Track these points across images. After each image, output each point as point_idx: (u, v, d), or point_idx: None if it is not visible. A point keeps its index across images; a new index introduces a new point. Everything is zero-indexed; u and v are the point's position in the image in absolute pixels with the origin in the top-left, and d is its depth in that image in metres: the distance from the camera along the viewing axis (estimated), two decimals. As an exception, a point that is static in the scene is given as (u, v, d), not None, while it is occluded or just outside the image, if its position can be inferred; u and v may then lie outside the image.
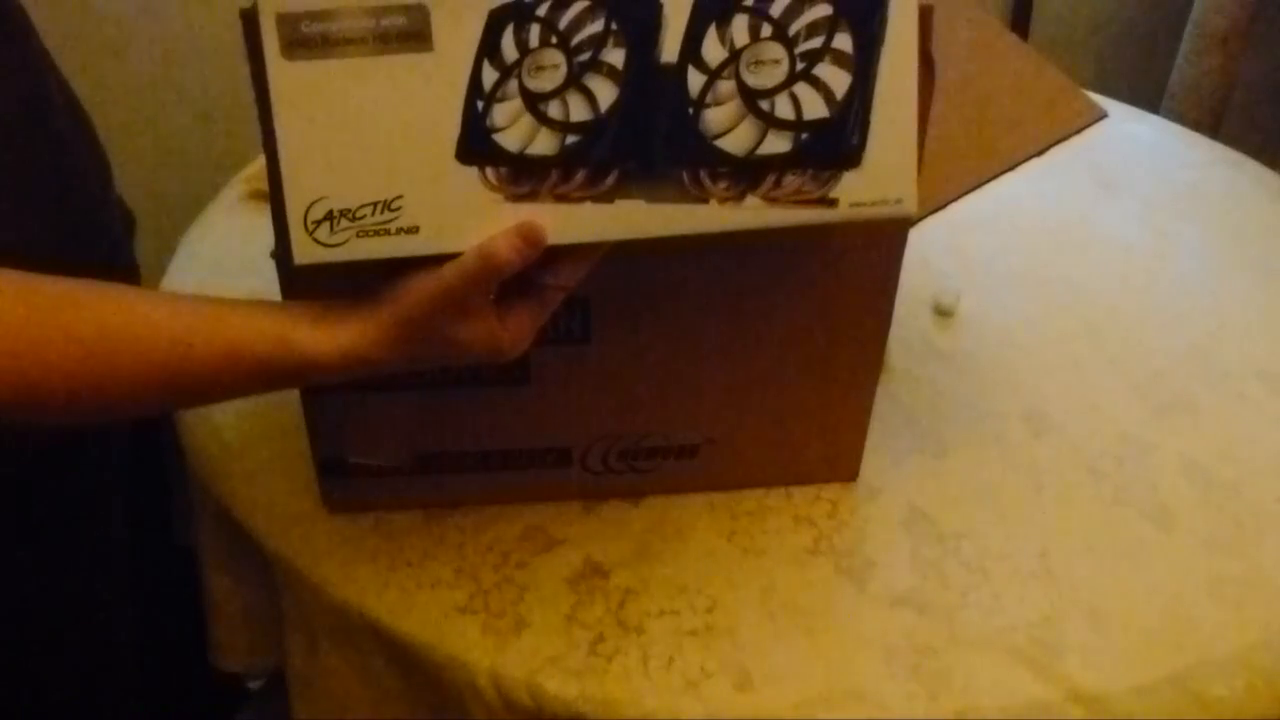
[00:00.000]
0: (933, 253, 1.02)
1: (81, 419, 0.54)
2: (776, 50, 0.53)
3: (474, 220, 0.53)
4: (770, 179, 0.54)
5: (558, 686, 0.67)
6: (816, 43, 0.53)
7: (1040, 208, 1.10)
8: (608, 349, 0.70)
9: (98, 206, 0.77)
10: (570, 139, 0.53)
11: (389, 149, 0.53)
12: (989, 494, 0.80)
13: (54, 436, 0.68)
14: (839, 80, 0.53)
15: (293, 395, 0.72)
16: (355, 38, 0.52)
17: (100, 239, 0.77)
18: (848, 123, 0.54)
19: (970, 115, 0.76)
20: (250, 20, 0.52)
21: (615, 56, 0.53)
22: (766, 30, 0.53)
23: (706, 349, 0.72)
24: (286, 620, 0.77)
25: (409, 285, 0.54)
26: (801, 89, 0.53)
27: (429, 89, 0.53)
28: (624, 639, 0.70)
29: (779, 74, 0.53)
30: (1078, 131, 0.77)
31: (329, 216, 0.54)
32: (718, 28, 0.53)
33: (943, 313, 0.96)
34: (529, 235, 0.53)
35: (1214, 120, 1.78)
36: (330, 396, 0.70)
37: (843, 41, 0.53)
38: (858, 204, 0.55)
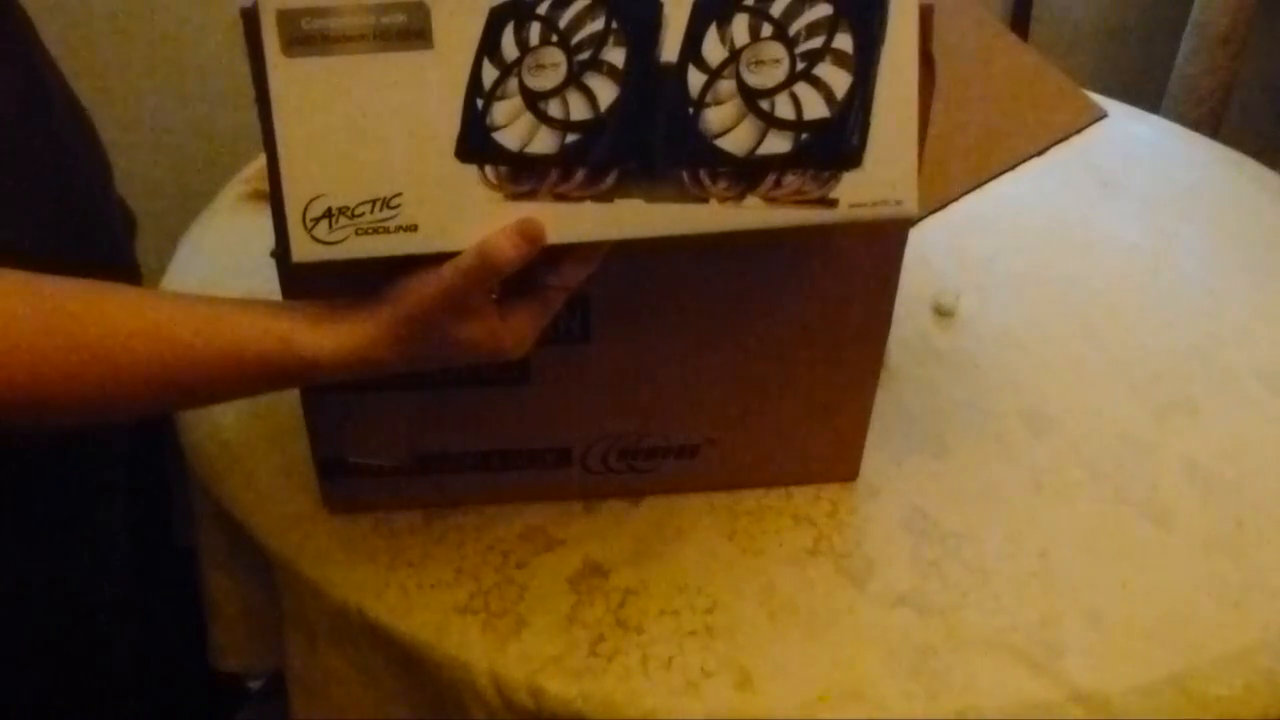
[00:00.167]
0: (933, 253, 1.02)
1: (82, 420, 0.54)
2: (777, 50, 0.53)
3: (473, 219, 0.53)
4: (770, 179, 0.54)
5: (558, 686, 0.67)
6: (817, 42, 0.53)
7: (1040, 208, 1.10)
8: (608, 349, 0.70)
9: (98, 206, 0.77)
10: (570, 138, 0.53)
11: (388, 146, 0.53)
12: (989, 494, 0.80)
13: (54, 436, 0.68)
14: (839, 80, 0.53)
15: (293, 395, 0.72)
16: (355, 35, 0.52)
17: (101, 239, 0.77)
18: (848, 123, 0.54)
19: (970, 115, 0.76)
20: (250, 18, 0.52)
21: (615, 55, 0.53)
22: (767, 30, 0.53)
23: (706, 349, 0.72)
24: (286, 620, 0.77)
25: (409, 284, 0.54)
26: (802, 89, 0.53)
27: (429, 87, 0.53)
28: (624, 639, 0.70)
29: (779, 74, 0.53)
30: (1078, 131, 0.77)
31: (328, 214, 0.54)
32: (718, 27, 0.53)
33: (943, 313, 0.96)
34: (529, 232, 0.53)
35: (1214, 120, 1.78)
36: (330, 396, 0.70)
37: (843, 41, 0.53)
38: (858, 204, 0.55)
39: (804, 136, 0.54)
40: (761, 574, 0.74)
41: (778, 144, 0.54)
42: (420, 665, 0.70)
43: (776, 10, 0.53)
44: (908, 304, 0.94)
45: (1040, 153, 0.76)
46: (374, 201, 0.54)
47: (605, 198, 0.54)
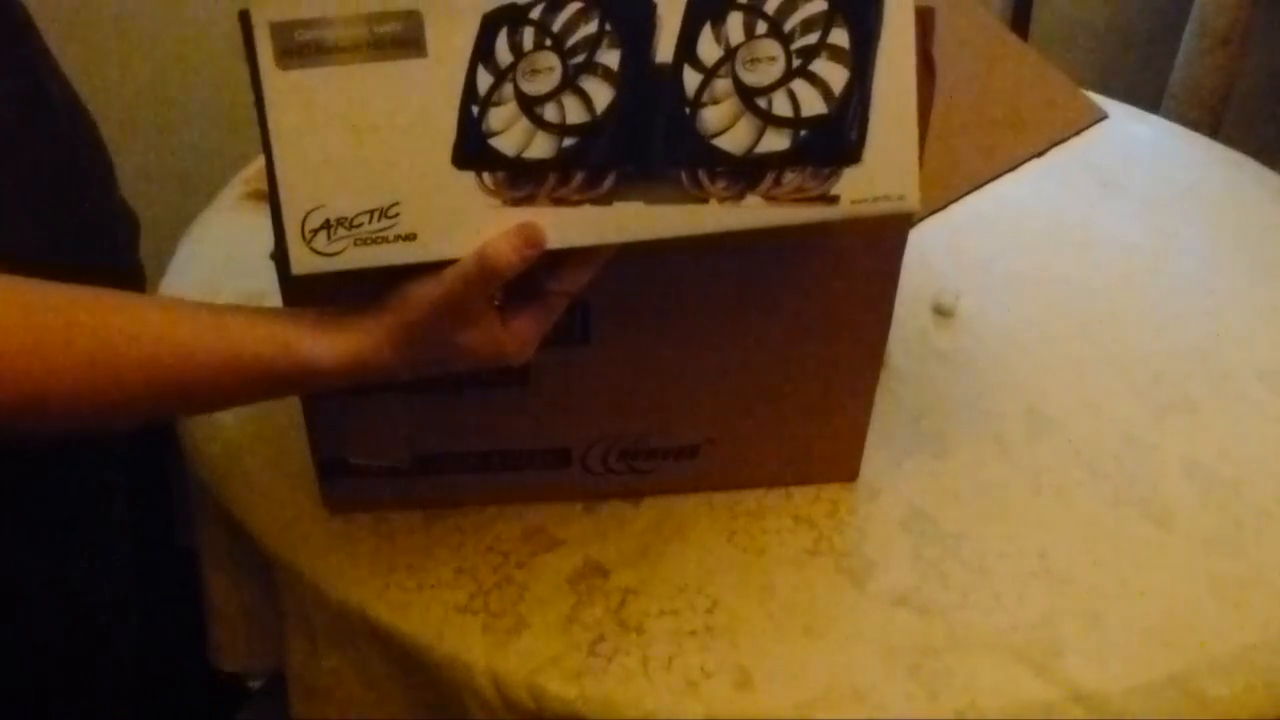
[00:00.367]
0: (933, 253, 1.02)
1: (82, 427, 0.54)
2: (772, 47, 0.53)
3: (472, 225, 0.53)
4: (770, 177, 0.54)
5: (558, 686, 0.67)
6: (812, 39, 0.53)
7: (1040, 208, 1.10)
8: (607, 349, 0.70)
9: (101, 208, 0.77)
10: (567, 141, 0.53)
11: (385, 156, 0.53)
12: (989, 494, 0.80)
13: (59, 438, 0.68)
14: (836, 76, 0.53)
15: (293, 396, 0.72)
16: (349, 45, 0.52)
17: (104, 241, 0.77)
18: (846, 119, 0.54)
19: (971, 116, 0.76)
20: (248, 23, 0.52)
21: (610, 58, 0.52)
22: (762, 27, 0.53)
23: (706, 349, 0.72)
24: (286, 621, 0.77)
25: (411, 291, 0.54)
26: (799, 86, 0.53)
27: (424, 95, 0.52)
28: (624, 639, 0.70)
29: (775, 71, 0.53)
30: (1078, 132, 0.77)
31: (326, 225, 0.54)
32: (712, 26, 0.52)
33: (943, 313, 0.96)
34: (529, 236, 0.53)
35: (1214, 120, 1.78)
36: (330, 397, 0.70)
37: (839, 37, 0.53)
38: (859, 200, 0.55)
39: (802, 133, 0.54)
40: (761, 574, 0.74)
41: (776, 142, 0.54)
42: (420, 665, 0.70)
43: (771, 7, 0.52)
44: (908, 304, 0.94)
45: (1040, 153, 0.76)
46: (372, 211, 0.53)
47: (604, 201, 0.54)
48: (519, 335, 0.55)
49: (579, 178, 0.53)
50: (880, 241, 0.68)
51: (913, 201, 0.55)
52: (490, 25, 0.52)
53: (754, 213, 0.54)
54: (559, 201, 0.54)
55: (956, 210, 0.75)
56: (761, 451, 0.77)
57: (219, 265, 0.98)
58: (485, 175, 0.53)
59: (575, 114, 0.53)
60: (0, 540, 0.68)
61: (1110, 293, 1.00)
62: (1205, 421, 0.86)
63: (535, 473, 0.76)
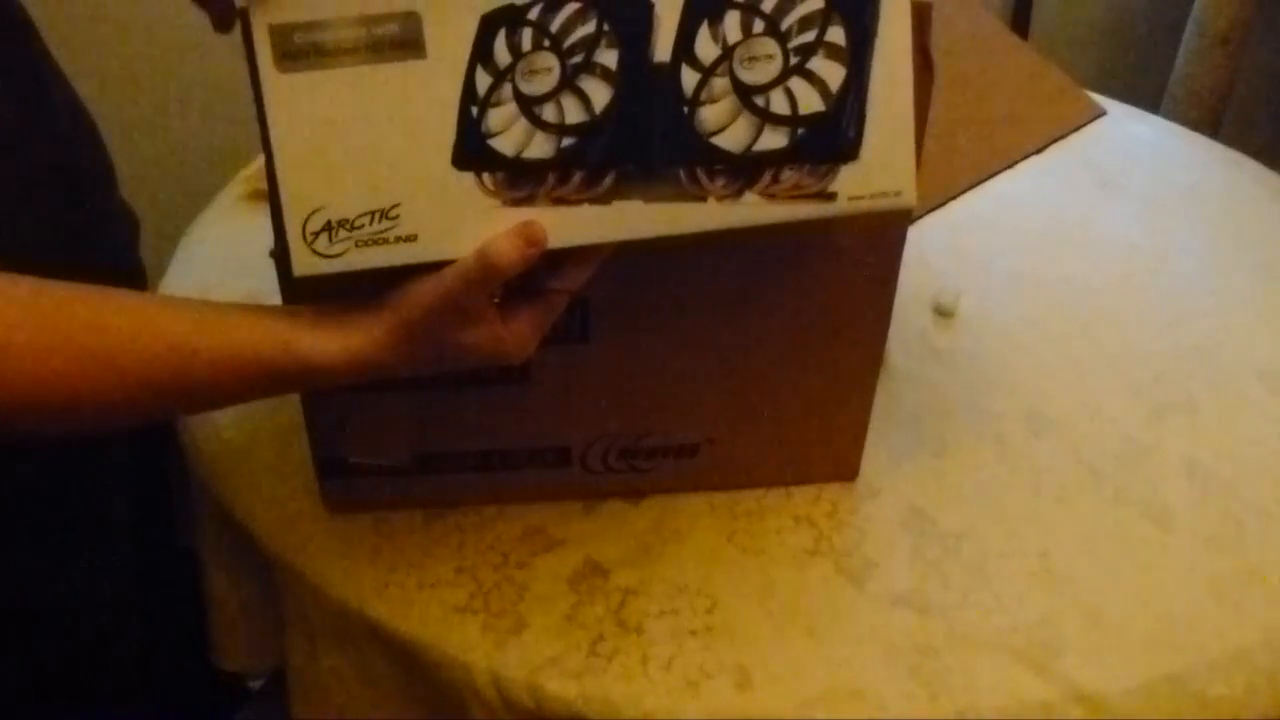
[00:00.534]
0: (933, 253, 1.02)
1: (83, 426, 0.54)
2: (770, 45, 0.53)
3: (472, 226, 0.53)
4: (768, 175, 0.54)
5: (558, 686, 0.67)
6: (809, 37, 0.53)
7: (1040, 208, 1.10)
8: (607, 348, 0.70)
9: (101, 208, 0.77)
10: (566, 141, 0.53)
11: (385, 157, 0.53)
12: (989, 494, 0.80)
13: (61, 438, 0.68)
14: (833, 74, 0.53)
15: (293, 396, 0.72)
16: (348, 47, 0.52)
17: (105, 241, 0.77)
18: (844, 116, 0.54)
19: (970, 113, 0.76)
20: (247, 24, 0.52)
21: (608, 57, 0.53)
22: (759, 26, 0.53)
23: (706, 349, 0.72)
24: (286, 620, 0.77)
25: (411, 289, 0.54)
26: (796, 84, 0.53)
27: (423, 96, 0.52)
28: (624, 639, 0.70)
29: (773, 69, 0.53)
30: (1077, 129, 0.77)
31: (327, 227, 0.54)
32: (710, 25, 0.53)
33: (943, 313, 0.96)
34: (530, 235, 0.53)
35: (1214, 120, 1.78)
36: (330, 396, 0.70)
37: (836, 35, 0.53)
38: (857, 197, 0.55)
39: (800, 131, 0.54)
40: (761, 574, 0.74)
41: (774, 139, 0.54)
42: (420, 665, 0.70)
43: (768, 6, 0.53)
44: (908, 304, 0.94)
45: (1039, 150, 0.76)
46: (373, 213, 0.54)
47: (603, 200, 0.54)
48: (519, 334, 0.55)
49: (578, 177, 0.54)
50: (880, 240, 0.69)
51: (910, 197, 0.55)
52: (489, 26, 0.52)
53: (752, 210, 0.55)
54: (558, 201, 0.54)
55: (956, 210, 0.75)
56: (761, 451, 0.77)
57: (219, 265, 0.98)
58: (485, 176, 0.53)
59: (574, 114, 0.53)
60: (1, 540, 0.68)
61: (1110, 293, 1.00)
62: (1205, 421, 0.86)
63: (535, 472, 0.76)
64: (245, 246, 0.99)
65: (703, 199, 0.54)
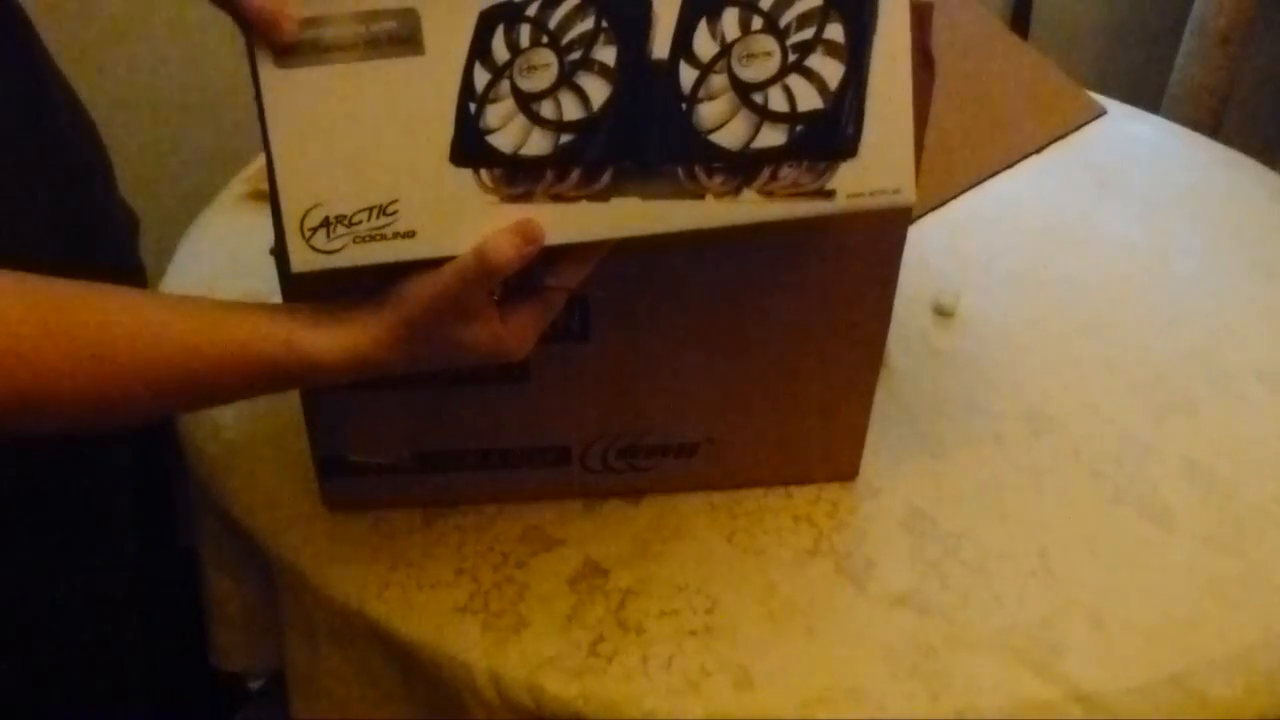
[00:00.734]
0: (933, 253, 1.02)
1: (83, 424, 0.54)
2: (768, 43, 0.53)
3: (470, 222, 0.53)
4: (766, 172, 0.54)
5: (558, 686, 0.67)
6: (808, 34, 0.53)
7: (1040, 208, 1.10)
8: (606, 347, 0.70)
9: (100, 207, 0.77)
10: (564, 138, 0.53)
11: (383, 153, 0.53)
12: (989, 494, 0.80)
13: (62, 437, 0.68)
14: (832, 71, 0.53)
15: (292, 395, 0.72)
16: (347, 43, 0.52)
17: (104, 240, 0.77)
18: (842, 113, 0.54)
19: (970, 113, 0.76)
20: None
21: (606, 54, 0.53)
22: (757, 23, 0.53)
23: (706, 348, 0.72)
24: (286, 620, 0.77)
25: (410, 287, 0.54)
26: (794, 81, 0.53)
27: (421, 92, 0.52)
28: (624, 639, 0.70)
29: (771, 66, 0.53)
30: (1076, 129, 0.77)
31: (325, 223, 0.54)
32: (708, 22, 0.53)
33: (943, 313, 0.96)
34: (527, 232, 0.53)
35: (1214, 120, 1.78)
36: (330, 395, 0.70)
37: (834, 32, 0.53)
38: (855, 195, 0.55)
39: (798, 128, 0.54)
40: (761, 574, 0.74)
41: (772, 137, 0.54)
42: (420, 665, 0.70)
43: (766, 3, 0.53)
44: (908, 304, 0.94)
45: (1039, 150, 0.76)
46: (371, 209, 0.53)
47: (601, 197, 0.54)
48: (518, 331, 0.55)
49: (576, 174, 0.54)
50: (880, 240, 0.69)
51: (909, 195, 0.55)
52: (487, 22, 0.52)
53: (750, 208, 0.54)
54: (556, 198, 0.54)
55: (956, 210, 0.75)
56: (761, 450, 0.77)
57: (219, 265, 0.98)
58: (483, 172, 0.53)
59: (572, 111, 0.53)
60: (3, 539, 0.68)
61: (1110, 293, 1.00)
62: (1205, 421, 0.86)
63: (535, 471, 0.76)
64: (245, 246, 0.99)
65: (701, 196, 0.54)
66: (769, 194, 0.54)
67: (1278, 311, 0.98)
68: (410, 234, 0.54)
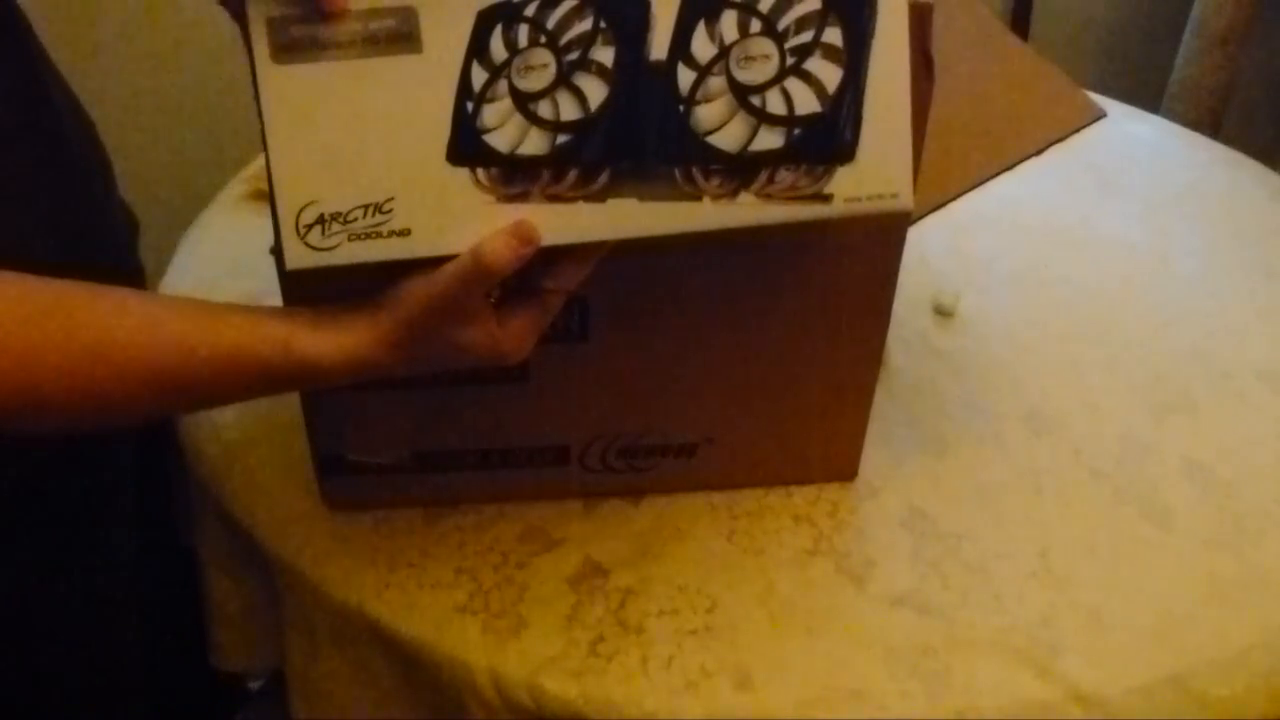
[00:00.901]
0: (933, 253, 1.02)
1: (81, 424, 0.54)
2: (766, 45, 0.53)
3: (466, 222, 0.53)
4: (764, 175, 0.54)
5: (558, 686, 0.67)
6: (806, 37, 0.53)
7: (1040, 208, 1.10)
8: (606, 347, 0.70)
9: (100, 208, 0.77)
10: (561, 138, 0.53)
11: (380, 151, 0.53)
12: (989, 494, 0.80)
13: (62, 435, 0.68)
14: (830, 75, 0.53)
15: (292, 395, 0.72)
16: (344, 41, 0.52)
17: (103, 241, 0.77)
18: (840, 117, 0.54)
19: (970, 114, 0.76)
20: (244, 18, 0.52)
21: (604, 55, 0.53)
22: (756, 26, 0.53)
23: (705, 348, 0.72)
24: (287, 620, 0.77)
25: (407, 289, 0.54)
26: (793, 84, 0.53)
27: (419, 91, 0.52)
28: (624, 639, 0.70)
29: (769, 69, 0.53)
30: (1077, 130, 0.77)
31: (321, 220, 0.54)
32: (706, 24, 0.53)
33: (943, 313, 0.96)
34: (523, 234, 0.53)
35: (1214, 120, 1.78)
36: (329, 395, 0.70)
37: (833, 36, 0.53)
38: (853, 199, 0.55)
39: (796, 132, 0.54)
40: (761, 574, 0.74)
41: (770, 140, 0.54)
42: (420, 665, 0.70)
43: (765, 6, 0.53)
44: (908, 304, 0.94)
45: (1039, 152, 0.76)
46: (366, 207, 0.53)
47: (598, 198, 0.54)
48: (515, 334, 0.55)
49: (573, 175, 0.54)
50: (879, 241, 0.68)
51: (906, 200, 0.55)
52: (485, 22, 0.52)
53: (748, 210, 0.54)
54: (553, 198, 0.54)
55: (957, 210, 0.75)
56: (761, 451, 0.77)
57: (219, 265, 0.98)
58: (479, 171, 0.53)
59: (569, 111, 0.53)
60: (3, 539, 0.68)
61: (1110, 293, 1.00)
62: (1205, 421, 0.86)
63: (534, 470, 0.76)
64: (245, 246, 0.99)
65: (698, 198, 0.54)
66: (766, 197, 0.54)
67: (1278, 311, 0.98)
68: (406, 232, 0.54)
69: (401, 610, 0.71)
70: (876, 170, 0.54)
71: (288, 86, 0.52)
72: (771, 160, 0.54)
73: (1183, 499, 0.80)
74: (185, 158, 1.54)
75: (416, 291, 0.53)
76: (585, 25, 0.52)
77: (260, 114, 0.53)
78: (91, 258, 0.73)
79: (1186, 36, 1.76)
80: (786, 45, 0.53)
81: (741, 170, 0.54)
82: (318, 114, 0.52)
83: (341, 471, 0.75)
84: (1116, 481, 0.81)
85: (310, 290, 0.56)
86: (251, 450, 0.81)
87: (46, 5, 0.76)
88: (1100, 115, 0.77)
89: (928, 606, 0.72)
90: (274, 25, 0.51)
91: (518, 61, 0.53)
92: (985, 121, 0.77)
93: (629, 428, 0.75)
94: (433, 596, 0.72)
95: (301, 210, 0.53)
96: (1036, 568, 0.75)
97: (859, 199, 0.55)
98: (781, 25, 0.53)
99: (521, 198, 0.54)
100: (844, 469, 0.80)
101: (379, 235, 0.54)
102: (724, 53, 0.53)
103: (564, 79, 0.53)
